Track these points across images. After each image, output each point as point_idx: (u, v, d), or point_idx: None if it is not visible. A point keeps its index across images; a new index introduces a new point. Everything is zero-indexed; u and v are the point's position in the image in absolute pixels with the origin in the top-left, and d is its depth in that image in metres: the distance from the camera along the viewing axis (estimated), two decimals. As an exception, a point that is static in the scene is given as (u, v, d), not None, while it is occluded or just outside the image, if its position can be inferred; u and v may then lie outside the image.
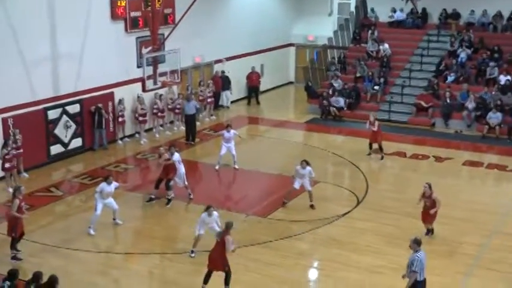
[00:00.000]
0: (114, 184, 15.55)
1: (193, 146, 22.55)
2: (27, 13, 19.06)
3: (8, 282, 11.04)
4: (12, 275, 11.18)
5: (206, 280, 12.34)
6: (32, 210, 16.12)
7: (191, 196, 17.33)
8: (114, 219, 15.80)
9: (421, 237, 11.50)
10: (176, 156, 17.08)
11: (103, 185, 15.30)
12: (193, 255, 13.96)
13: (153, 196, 17.13)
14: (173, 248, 14.59)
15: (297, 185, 16.63)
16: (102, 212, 15.26)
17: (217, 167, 19.61)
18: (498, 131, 23.48)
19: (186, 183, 17.28)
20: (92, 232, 15.18)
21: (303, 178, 16.59)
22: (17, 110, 19.06)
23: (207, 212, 13.64)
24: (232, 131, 19.52)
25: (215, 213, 13.85)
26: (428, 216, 14.73)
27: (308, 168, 16.43)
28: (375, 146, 21.09)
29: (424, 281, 11.16)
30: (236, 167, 19.60)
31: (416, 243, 11.19)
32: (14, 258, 13.81)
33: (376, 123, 20.97)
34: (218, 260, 12.21)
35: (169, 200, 16.99)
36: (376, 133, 20.98)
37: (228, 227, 12.27)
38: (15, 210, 13.74)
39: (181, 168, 17.18)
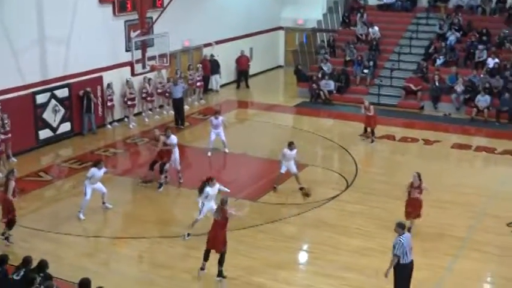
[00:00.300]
0: (104, 169, 15.52)
1: (182, 130, 22.48)
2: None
3: (-3, 267, 11.05)
4: (2, 260, 11.16)
5: (206, 258, 12.45)
6: (21, 195, 16.08)
7: (181, 180, 17.35)
8: (103, 203, 15.77)
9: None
10: (173, 138, 17.09)
11: (94, 170, 15.23)
12: (188, 237, 14.15)
13: (148, 178, 17.08)
14: (163, 232, 14.63)
15: (283, 169, 16.66)
16: (94, 195, 15.24)
17: (209, 154, 19.58)
18: (486, 113, 23.58)
19: (179, 167, 17.28)
20: (81, 217, 15.18)
21: (289, 161, 16.61)
22: (5, 94, 18.91)
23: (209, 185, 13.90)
24: (220, 118, 19.48)
25: (217, 185, 14.14)
26: (417, 207, 14.11)
27: (295, 149, 16.44)
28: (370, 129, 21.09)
29: (409, 264, 11.15)
30: (226, 150, 19.61)
31: (400, 227, 11.21)
32: (6, 239, 13.87)
33: (372, 107, 20.89)
34: (217, 239, 12.26)
35: (160, 184, 16.99)
36: (370, 117, 20.92)
37: (223, 203, 12.30)
38: (11, 194, 13.79)
39: (176, 152, 17.20)
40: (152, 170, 17.15)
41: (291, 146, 16.50)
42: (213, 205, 13.70)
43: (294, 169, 16.74)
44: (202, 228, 13.52)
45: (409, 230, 13.45)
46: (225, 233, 12.38)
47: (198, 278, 12.43)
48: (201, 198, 13.93)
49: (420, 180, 14.07)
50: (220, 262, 12.34)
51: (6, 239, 13.87)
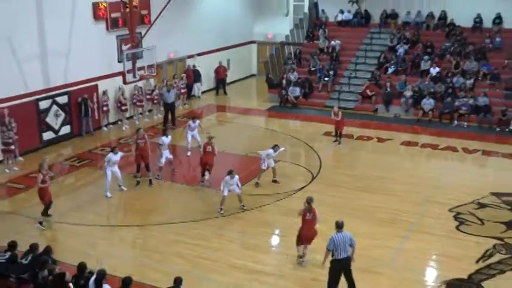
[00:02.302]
0: (120, 153, 15.90)
1: (172, 130, 22.45)
2: (19, 15, 18.67)
3: (8, 253, 10.97)
4: (12, 246, 11.12)
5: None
6: (27, 190, 15.97)
7: (174, 172, 17.83)
8: (119, 185, 16.19)
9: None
10: (167, 139, 17.36)
11: (110, 155, 15.76)
12: (222, 212, 14.79)
13: (138, 179, 16.91)
14: (154, 221, 14.60)
15: (264, 166, 16.77)
16: (93, 189, 15.20)
17: (189, 153, 19.54)
18: (431, 115, 23.87)
19: (161, 164, 17.34)
20: (108, 195, 15.68)
21: (270, 159, 16.77)
22: (12, 101, 18.72)
23: (229, 176, 14.58)
24: (197, 122, 19.44)
25: (236, 176, 14.70)
26: (312, 231, 12.37)
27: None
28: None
29: (342, 260, 10.72)
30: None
31: (336, 226, 10.91)
32: (40, 223, 13.96)
33: (340, 113, 20.63)
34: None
35: (150, 181, 16.92)
36: (339, 122, 20.69)
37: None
38: (40, 182, 13.98)
39: (167, 153, 17.29)
40: (138, 172, 16.97)
41: (275, 148, 16.65)
42: (234, 190, 14.67)
43: (272, 164, 16.95)
44: (186, 218, 13.50)
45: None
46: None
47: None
48: (223, 182, 14.71)
49: (311, 205, 12.43)
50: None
51: (40, 223, 14.01)
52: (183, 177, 17.76)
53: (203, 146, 17.16)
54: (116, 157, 15.70)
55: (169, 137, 17.67)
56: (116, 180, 16.10)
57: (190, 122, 19.54)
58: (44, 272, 10.11)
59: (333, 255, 10.81)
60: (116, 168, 15.86)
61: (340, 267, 10.82)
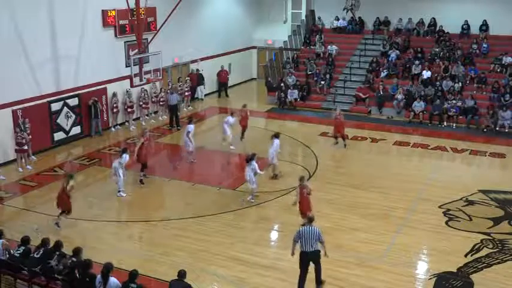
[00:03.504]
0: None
1: (173, 131, 22.38)
2: (32, 23, 18.64)
3: (22, 247, 10.91)
4: (25, 241, 11.05)
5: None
6: (39, 187, 15.87)
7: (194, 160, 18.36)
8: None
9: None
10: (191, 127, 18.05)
11: (125, 156, 15.52)
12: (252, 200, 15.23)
13: (142, 178, 16.80)
14: (159, 216, 14.52)
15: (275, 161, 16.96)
16: (99, 188, 15.09)
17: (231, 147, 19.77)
18: (421, 116, 23.83)
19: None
20: (123, 195, 15.50)
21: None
22: (26, 103, 18.69)
23: (254, 160, 15.02)
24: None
25: (253, 162, 15.01)
26: (310, 202, 13.20)
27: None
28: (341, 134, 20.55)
29: (307, 253, 10.53)
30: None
31: (307, 219, 10.98)
32: (57, 224, 13.68)
33: (341, 116, 20.25)
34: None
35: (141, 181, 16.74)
36: (339, 125, 20.21)
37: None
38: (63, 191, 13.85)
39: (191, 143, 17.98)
40: (143, 171, 16.84)
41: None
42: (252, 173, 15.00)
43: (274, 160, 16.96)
44: (189, 214, 13.46)
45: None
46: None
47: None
48: (248, 166, 15.00)
49: (303, 181, 13.36)
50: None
51: (57, 224, 13.76)
52: (186, 174, 17.66)
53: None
54: (128, 157, 15.60)
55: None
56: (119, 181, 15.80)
57: (229, 117, 19.80)
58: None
59: (301, 247, 10.62)
60: (123, 169, 15.63)
61: (306, 259, 10.62)
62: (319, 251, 10.67)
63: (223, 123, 19.99)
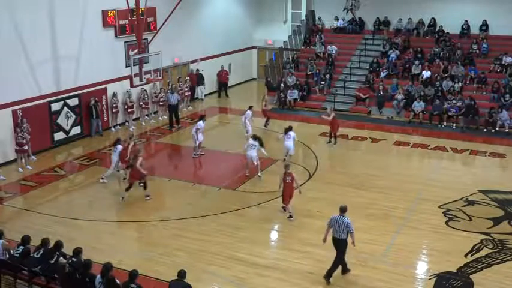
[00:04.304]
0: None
1: (172, 132, 22.38)
2: (32, 23, 18.60)
3: (21, 247, 10.90)
4: (25, 240, 11.05)
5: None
6: (39, 187, 15.86)
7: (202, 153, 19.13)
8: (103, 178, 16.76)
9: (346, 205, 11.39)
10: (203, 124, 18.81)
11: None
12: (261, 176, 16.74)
13: (141, 184, 16.61)
14: (159, 216, 14.49)
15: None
16: (99, 189, 15.07)
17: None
18: (421, 116, 23.82)
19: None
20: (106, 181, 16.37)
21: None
22: (26, 103, 18.66)
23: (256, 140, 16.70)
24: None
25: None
26: (291, 190, 14.08)
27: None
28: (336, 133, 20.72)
29: (335, 239, 11.20)
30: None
31: (339, 209, 11.29)
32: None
33: (332, 114, 20.36)
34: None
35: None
36: (332, 122, 20.40)
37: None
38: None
39: (200, 137, 18.68)
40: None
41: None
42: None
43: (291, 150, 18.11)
44: (189, 214, 13.43)
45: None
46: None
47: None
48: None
49: (287, 168, 14.23)
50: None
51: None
52: (186, 174, 17.66)
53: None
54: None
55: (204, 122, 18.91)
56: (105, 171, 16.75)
57: (249, 111, 20.93)
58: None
59: (333, 233, 11.21)
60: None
61: (334, 244, 11.24)
62: (344, 240, 11.10)
63: (243, 117, 20.72)
